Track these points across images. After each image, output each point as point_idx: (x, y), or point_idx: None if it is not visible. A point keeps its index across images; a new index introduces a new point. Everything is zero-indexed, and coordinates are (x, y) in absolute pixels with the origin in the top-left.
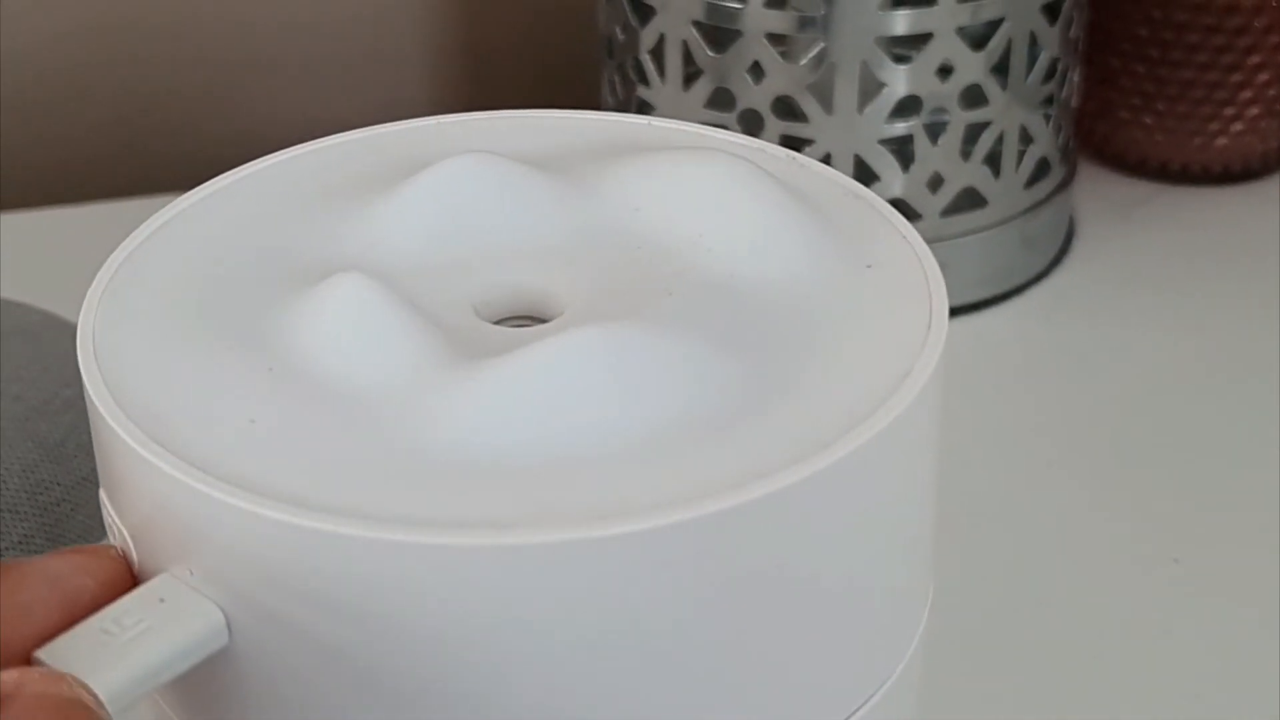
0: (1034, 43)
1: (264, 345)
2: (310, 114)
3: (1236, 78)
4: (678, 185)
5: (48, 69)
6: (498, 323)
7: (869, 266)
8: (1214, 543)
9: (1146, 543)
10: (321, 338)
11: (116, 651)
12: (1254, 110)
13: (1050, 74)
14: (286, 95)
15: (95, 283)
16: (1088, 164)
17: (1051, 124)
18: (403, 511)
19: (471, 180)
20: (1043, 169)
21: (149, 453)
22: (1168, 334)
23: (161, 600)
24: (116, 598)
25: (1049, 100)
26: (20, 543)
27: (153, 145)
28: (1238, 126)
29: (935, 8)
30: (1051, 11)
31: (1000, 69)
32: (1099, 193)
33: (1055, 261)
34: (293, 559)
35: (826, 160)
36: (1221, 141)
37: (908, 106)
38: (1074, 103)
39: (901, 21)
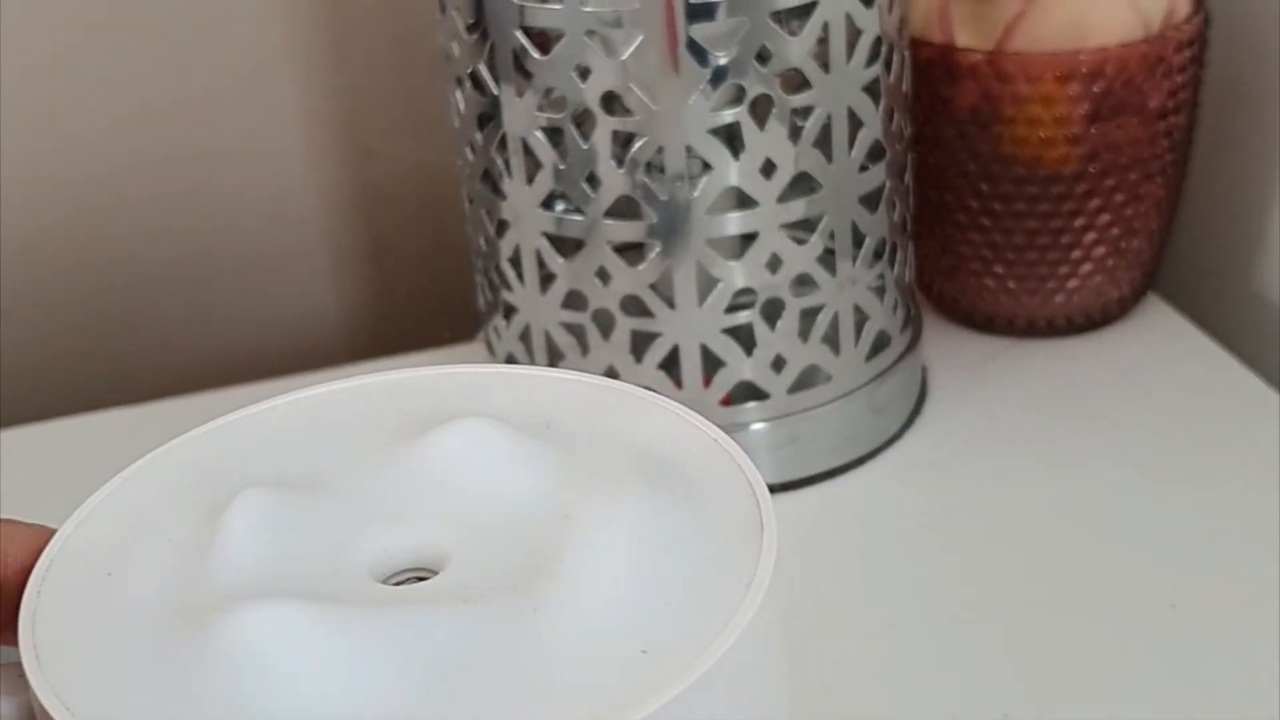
0: (856, 230)
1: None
2: (222, 322)
3: (1065, 239)
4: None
5: None
6: (388, 579)
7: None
8: (1051, 700)
9: (985, 700)
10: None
11: None
12: (1086, 267)
13: (878, 255)
14: (201, 305)
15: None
16: (939, 323)
17: (885, 299)
18: None
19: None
20: (882, 341)
21: None
22: (1019, 488)
23: (20, 676)
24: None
25: (879, 279)
26: None
27: (76, 365)
28: (1073, 283)
29: (758, 209)
30: (871, 201)
31: (827, 257)
32: (950, 350)
33: (908, 423)
34: None
35: (674, 351)
36: (1060, 298)
37: (745, 295)
38: (907, 277)
39: (731, 224)
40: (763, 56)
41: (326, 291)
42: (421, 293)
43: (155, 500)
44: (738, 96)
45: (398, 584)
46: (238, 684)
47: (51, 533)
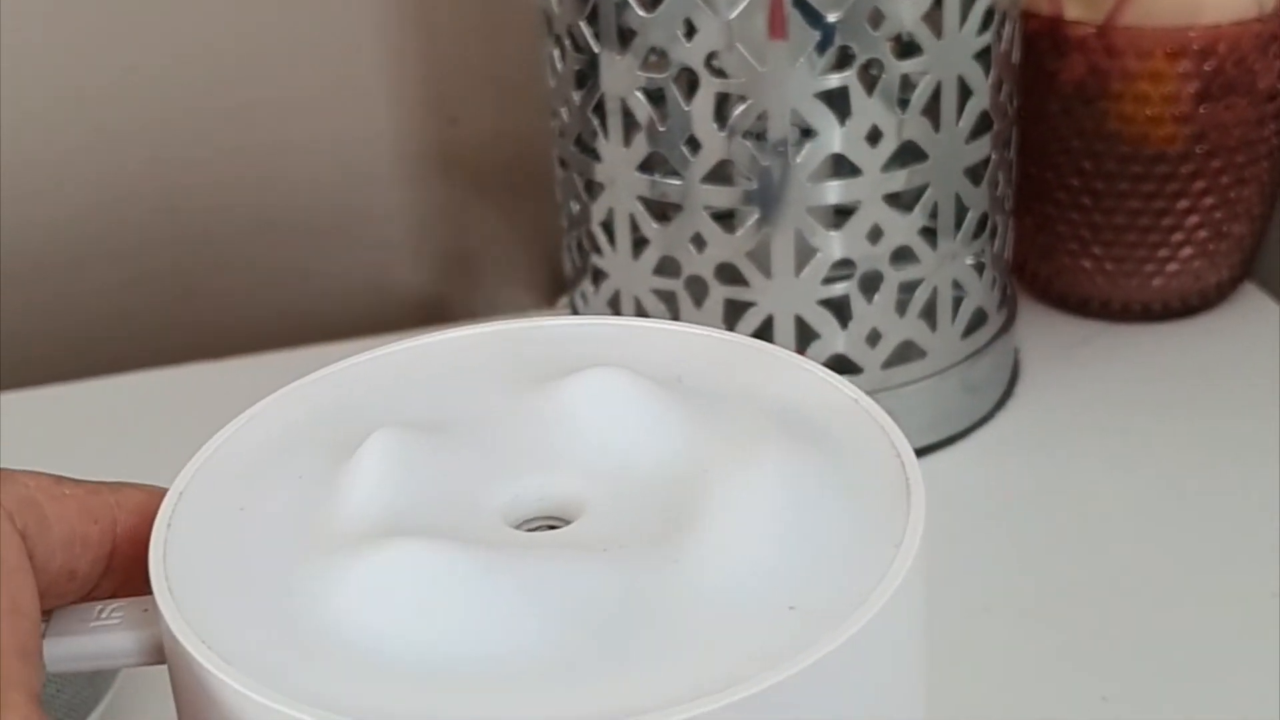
0: (960, 203)
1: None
2: (302, 282)
3: (1167, 221)
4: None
5: (45, 250)
6: (520, 526)
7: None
8: (1147, 680)
9: (1079, 681)
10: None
11: (82, 630)
12: (1186, 250)
13: (980, 230)
14: (277, 264)
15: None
16: (1033, 305)
17: (985, 276)
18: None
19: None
20: (979, 319)
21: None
22: (1112, 471)
23: (144, 611)
24: (150, 522)
25: (980, 254)
26: None
27: (146, 320)
28: (1173, 266)
29: (861, 178)
30: (976, 173)
31: (929, 229)
32: (1043, 333)
33: (1000, 404)
34: None
35: (768, 322)
36: (1158, 281)
37: (843, 267)
38: (1007, 254)
39: (832, 192)
40: (874, 19)
41: (402, 256)
42: (499, 259)
43: (282, 438)
44: (846, 60)
45: (530, 531)
46: (372, 620)
47: (163, 494)
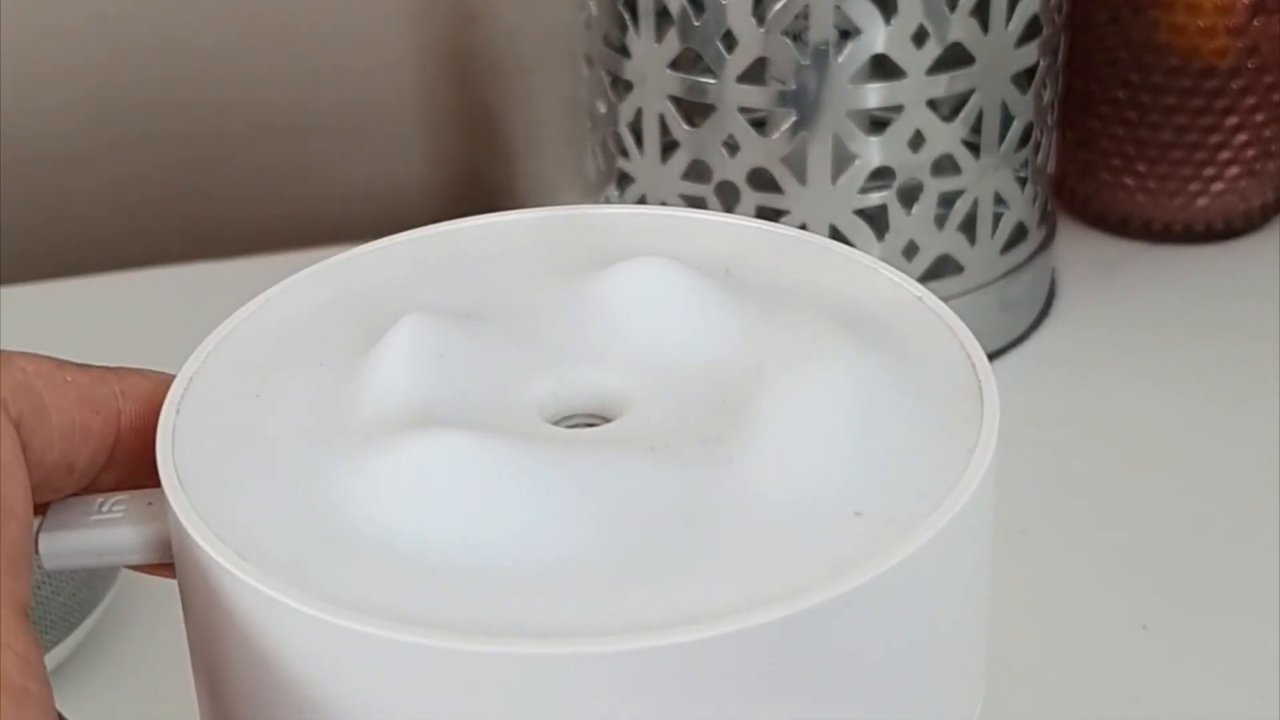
0: (1005, 111)
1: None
2: (309, 180)
3: (1215, 139)
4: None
5: (46, 141)
6: (558, 422)
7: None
8: (1186, 609)
9: (1120, 607)
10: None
11: (81, 523)
12: (1233, 170)
13: (1024, 141)
14: (285, 162)
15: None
16: (1070, 224)
17: (1026, 190)
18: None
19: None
20: (1019, 234)
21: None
22: (1150, 394)
23: (149, 504)
24: (156, 412)
25: (1023, 166)
26: None
27: (155, 216)
28: (1218, 186)
29: (905, 81)
30: (1022, 81)
31: (972, 139)
32: (1081, 253)
33: (1036, 323)
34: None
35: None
36: (1202, 201)
37: (881, 176)
38: (1050, 168)
39: (873, 95)
40: None
41: (419, 156)
42: (519, 164)
43: (304, 321)
44: None
45: (571, 428)
46: (403, 516)
47: (171, 381)
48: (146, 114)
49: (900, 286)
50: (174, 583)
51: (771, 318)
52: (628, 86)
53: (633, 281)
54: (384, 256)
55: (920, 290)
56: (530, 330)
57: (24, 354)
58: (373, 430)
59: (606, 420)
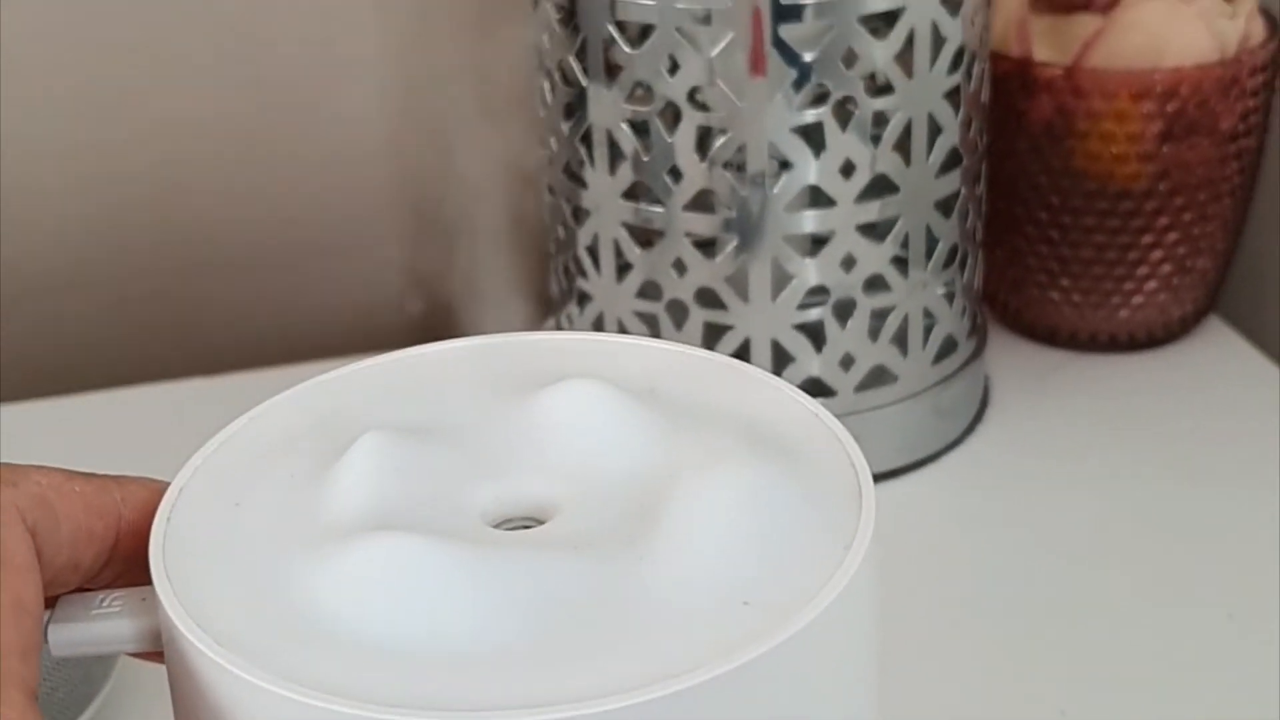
0: (930, 234)
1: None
2: (294, 298)
3: (1133, 255)
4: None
5: (43, 266)
6: (499, 525)
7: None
8: (1105, 697)
9: (1039, 696)
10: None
11: (85, 617)
12: (1151, 284)
13: (949, 261)
14: (271, 281)
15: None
16: (1003, 334)
17: (954, 305)
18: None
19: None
20: (949, 346)
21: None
22: (1077, 497)
23: (143, 600)
24: (151, 517)
25: (950, 284)
26: None
27: (148, 336)
28: (1138, 299)
29: (836, 209)
30: (945, 207)
31: (900, 260)
32: (1013, 361)
33: (970, 429)
34: None
35: (746, 345)
36: (1124, 313)
37: (818, 294)
38: (976, 284)
39: (808, 221)
40: (848, 59)
41: (394, 279)
42: (488, 283)
43: (278, 440)
44: (821, 97)
45: (508, 530)
46: (356, 608)
47: (165, 490)
48: (139, 239)
49: (799, 404)
50: (164, 669)
51: (687, 432)
52: (585, 214)
53: (565, 401)
54: (349, 381)
55: (816, 407)
56: (476, 444)
57: (37, 467)
58: (333, 534)
59: (541, 523)
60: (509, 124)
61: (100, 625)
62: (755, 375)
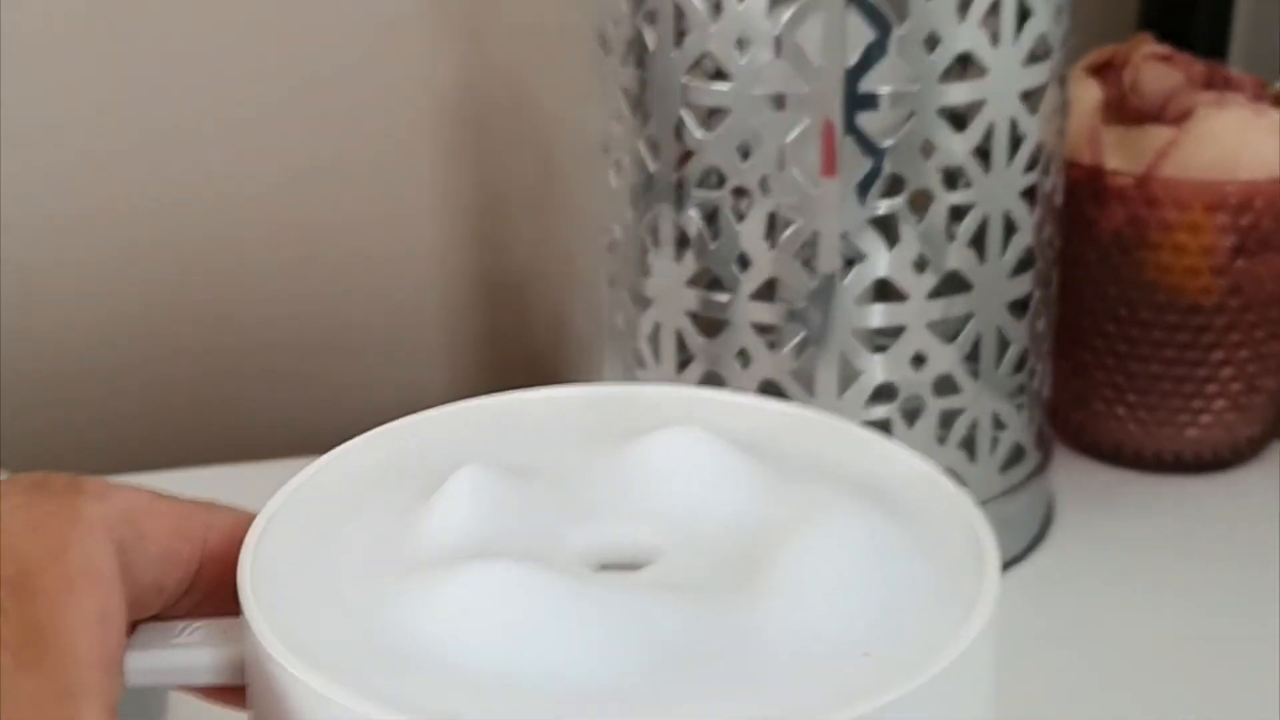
0: (1002, 337)
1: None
2: (332, 396)
3: (1202, 372)
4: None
5: (78, 355)
6: (595, 569)
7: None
8: None
9: None
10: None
11: (165, 644)
12: (1220, 403)
13: (1020, 365)
14: (314, 376)
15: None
16: (1065, 452)
17: (1024, 413)
18: None
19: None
20: (1017, 455)
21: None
22: (1142, 617)
23: (224, 631)
24: (237, 545)
25: (1020, 390)
26: None
27: (176, 430)
28: (1206, 418)
29: (907, 304)
30: (1017, 309)
31: (970, 360)
32: (1076, 479)
33: (1032, 544)
34: None
35: None
36: (1191, 432)
37: (885, 393)
38: (1045, 393)
39: (877, 316)
40: (925, 150)
41: (441, 373)
42: (536, 381)
43: (369, 475)
44: (896, 188)
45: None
46: (462, 637)
47: (252, 519)
48: (177, 332)
49: (915, 465)
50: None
51: (793, 483)
52: (647, 302)
53: (667, 447)
54: (447, 420)
55: (932, 469)
56: (575, 487)
57: (126, 486)
58: (434, 562)
59: (639, 568)
60: (563, 216)
61: (181, 654)
62: (866, 437)
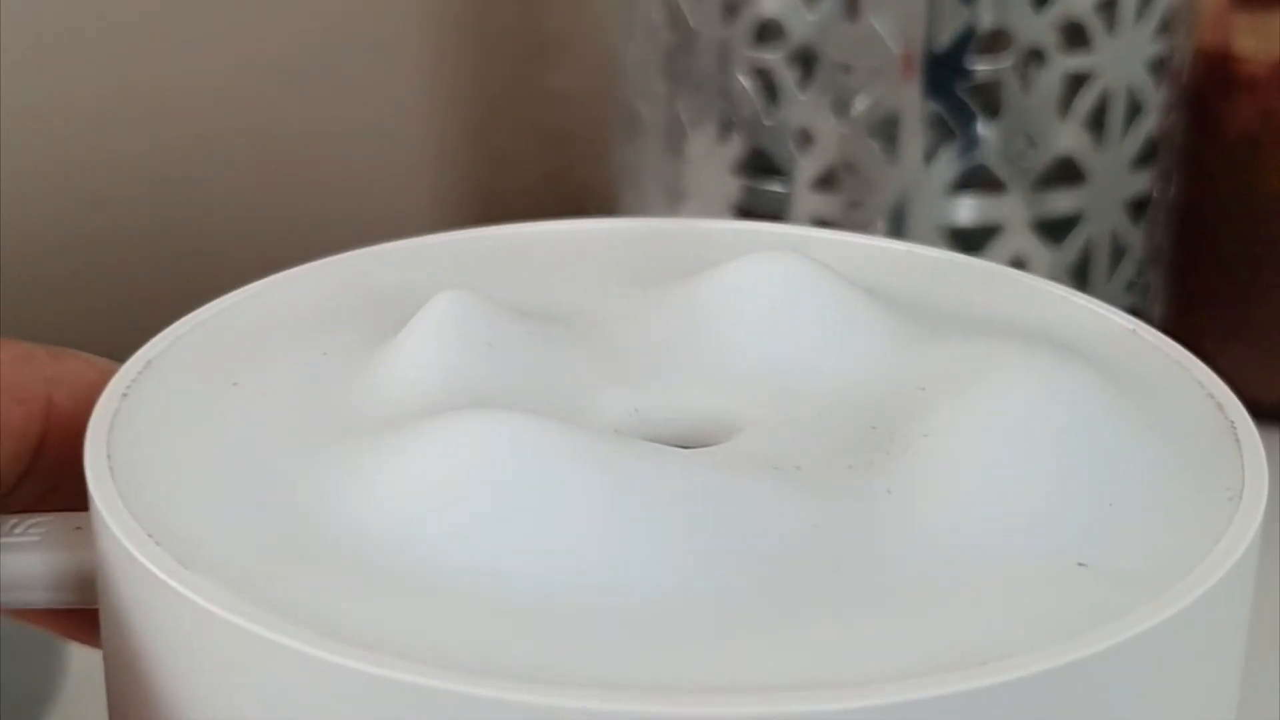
0: (1117, 244)
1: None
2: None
3: None
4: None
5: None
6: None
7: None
8: None
9: None
10: None
11: None
12: None
13: (1134, 282)
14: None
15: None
16: None
17: None
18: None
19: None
20: None
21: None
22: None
23: (77, 529)
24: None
25: (1133, 313)
26: None
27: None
28: None
29: (1006, 196)
30: (1135, 210)
31: (1078, 271)
32: None
33: None
34: None
35: None
36: None
37: None
38: (1158, 318)
39: (967, 210)
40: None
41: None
42: None
43: (302, 314)
44: (1000, 46)
45: None
46: (425, 525)
47: (115, 370)
48: (153, 249)
49: (1105, 316)
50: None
51: (937, 335)
52: (681, 197)
53: (751, 280)
54: (422, 252)
55: (1134, 322)
56: (609, 336)
57: None
58: (393, 420)
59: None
60: (560, 144)
61: (8, 561)
62: (1035, 283)
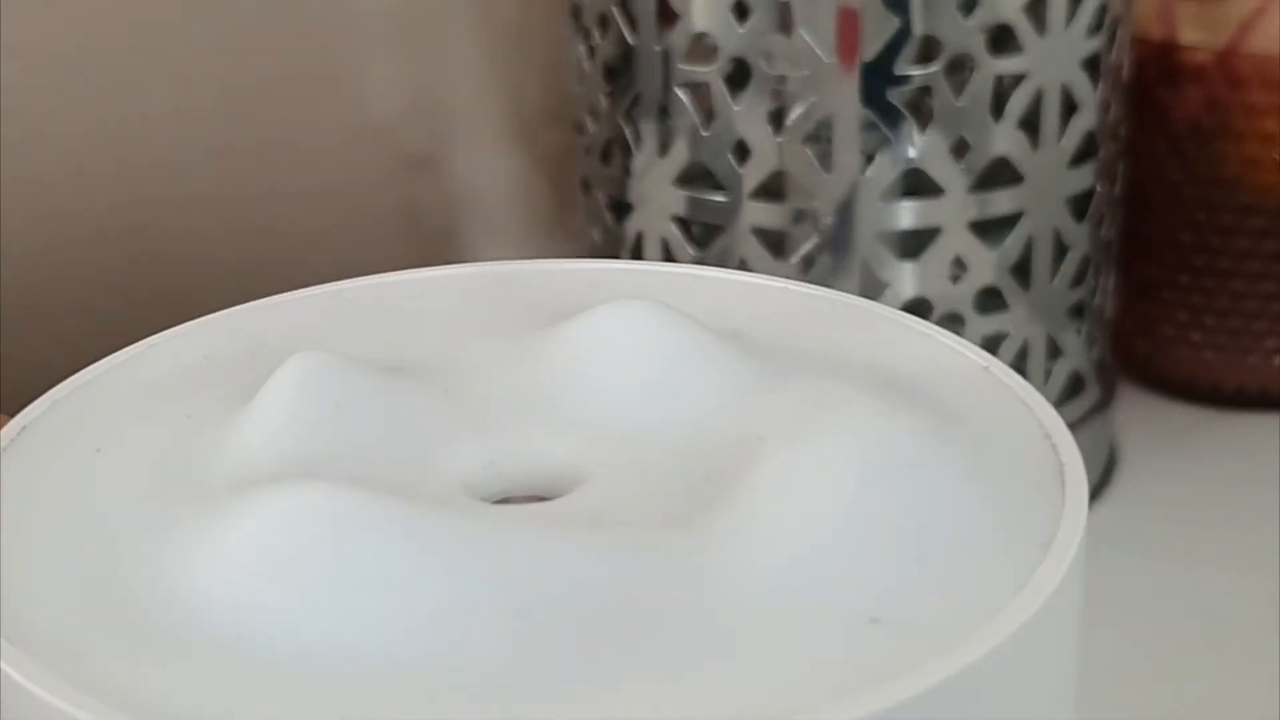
0: (1059, 241)
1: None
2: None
3: None
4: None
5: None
6: (490, 500)
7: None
8: None
9: None
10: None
11: None
12: None
13: (1079, 278)
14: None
15: None
16: (1129, 387)
17: (1083, 336)
18: None
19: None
20: (1075, 385)
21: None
22: (1218, 575)
23: None
24: None
25: (1078, 309)
26: None
27: None
28: None
29: (944, 199)
30: (1077, 208)
31: (1021, 270)
32: (1143, 418)
33: (1093, 493)
34: None
35: None
36: (1279, 362)
37: (916, 308)
38: (1108, 313)
39: (906, 215)
40: (968, 4)
41: None
42: None
43: (182, 371)
44: (930, 53)
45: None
46: (251, 596)
47: None
48: (121, 257)
49: (960, 354)
50: None
51: (785, 381)
52: (627, 209)
53: (606, 330)
54: (292, 308)
55: (987, 359)
56: (464, 388)
57: None
58: (236, 486)
59: (552, 500)
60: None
61: None
62: (900, 321)
